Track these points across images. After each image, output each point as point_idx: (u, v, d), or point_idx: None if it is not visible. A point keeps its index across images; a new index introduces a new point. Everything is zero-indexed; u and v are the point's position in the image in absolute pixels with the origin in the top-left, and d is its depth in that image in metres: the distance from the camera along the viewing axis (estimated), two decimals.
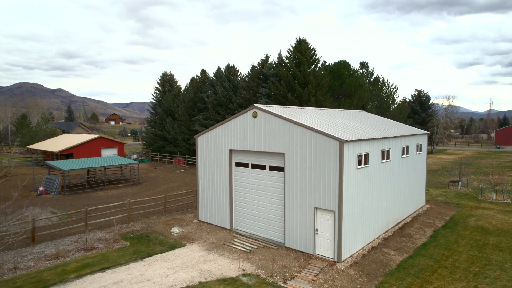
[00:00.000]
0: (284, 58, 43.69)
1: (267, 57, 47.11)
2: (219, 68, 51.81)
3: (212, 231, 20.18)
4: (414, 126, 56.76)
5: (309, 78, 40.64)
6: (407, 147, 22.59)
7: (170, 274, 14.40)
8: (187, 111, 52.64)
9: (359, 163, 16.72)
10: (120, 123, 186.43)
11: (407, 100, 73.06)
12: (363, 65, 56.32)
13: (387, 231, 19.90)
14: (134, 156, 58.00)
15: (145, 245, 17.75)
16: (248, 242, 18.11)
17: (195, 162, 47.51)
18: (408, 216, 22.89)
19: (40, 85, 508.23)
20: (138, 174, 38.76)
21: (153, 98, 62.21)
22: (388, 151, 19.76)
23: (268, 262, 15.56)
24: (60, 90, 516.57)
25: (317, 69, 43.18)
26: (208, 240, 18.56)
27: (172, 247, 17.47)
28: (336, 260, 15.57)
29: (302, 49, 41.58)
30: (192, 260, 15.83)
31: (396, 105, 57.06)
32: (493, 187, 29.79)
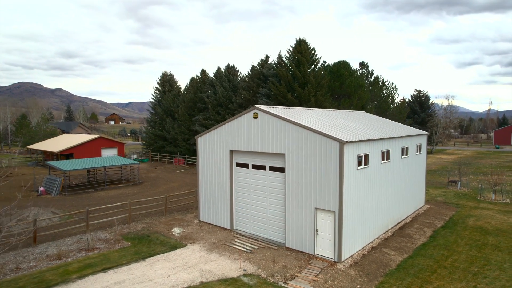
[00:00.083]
0: (284, 59, 43.78)
1: (267, 57, 47.20)
2: (219, 68, 51.89)
3: (213, 231, 20.26)
4: (414, 126, 56.90)
5: (309, 78, 40.72)
6: (406, 148, 22.69)
7: (171, 274, 14.49)
8: (187, 111, 52.71)
9: (359, 163, 16.81)
10: (120, 123, 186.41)
11: (407, 100, 73.16)
12: (363, 65, 56.41)
13: (387, 231, 20.01)
14: (134, 156, 58.05)
15: (146, 246, 17.83)
16: (248, 243, 18.19)
17: (195, 162, 47.63)
18: (407, 217, 23.00)
19: (40, 84, 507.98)
20: (138, 174, 38.84)
21: (153, 98, 62.27)
22: (388, 152, 19.86)
23: (268, 262, 15.65)
24: (59, 89, 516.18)
25: (317, 69, 43.28)
26: (209, 241, 18.65)
27: (173, 247, 17.56)
28: (336, 260, 15.67)
29: (302, 50, 41.67)
30: (193, 261, 15.91)
31: (395, 105, 57.13)
32: (492, 187, 29.91)
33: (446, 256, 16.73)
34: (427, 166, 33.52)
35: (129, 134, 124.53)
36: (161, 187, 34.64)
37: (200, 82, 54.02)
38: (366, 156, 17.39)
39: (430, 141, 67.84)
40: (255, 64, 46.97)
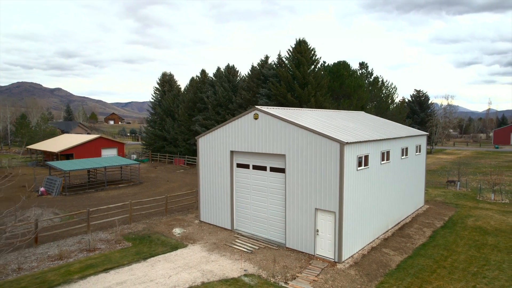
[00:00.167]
0: (283, 59, 43.87)
1: (266, 57, 47.28)
2: (218, 69, 51.97)
3: (214, 231, 20.34)
4: (413, 126, 57.06)
5: (308, 78, 40.81)
6: (406, 148, 22.79)
7: (172, 274, 14.57)
8: (187, 111, 52.77)
9: (359, 164, 16.90)
10: (119, 122, 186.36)
11: (406, 100, 73.30)
12: (363, 65, 56.50)
13: (387, 231, 20.10)
14: (134, 156, 58.10)
15: (147, 246, 17.91)
16: (249, 243, 18.28)
17: (195, 162, 47.70)
18: (407, 217, 23.10)
19: (39, 84, 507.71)
20: (138, 174, 38.90)
21: (152, 98, 62.32)
22: (388, 152, 19.96)
23: (269, 263, 15.74)
24: (59, 89, 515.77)
25: (316, 69, 43.37)
26: (209, 241, 18.73)
27: (174, 247, 17.64)
28: (336, 260, 15.76)
29: (301, 50, 41.76)
30: (194, 261, 16.00)
31: (395, 105, 57.20)
32: (491, 187, 30.02)
33: (445, 256, 16.82)
34: (427, 166, 33.60)
35: (128, 134, 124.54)
36: (161, 187, 34.71)
37: (200, 82, 54.09)
38: (366, 157, 17.48)
39: (429, 141, 67.96)
40: (255, 64, 47.09)
